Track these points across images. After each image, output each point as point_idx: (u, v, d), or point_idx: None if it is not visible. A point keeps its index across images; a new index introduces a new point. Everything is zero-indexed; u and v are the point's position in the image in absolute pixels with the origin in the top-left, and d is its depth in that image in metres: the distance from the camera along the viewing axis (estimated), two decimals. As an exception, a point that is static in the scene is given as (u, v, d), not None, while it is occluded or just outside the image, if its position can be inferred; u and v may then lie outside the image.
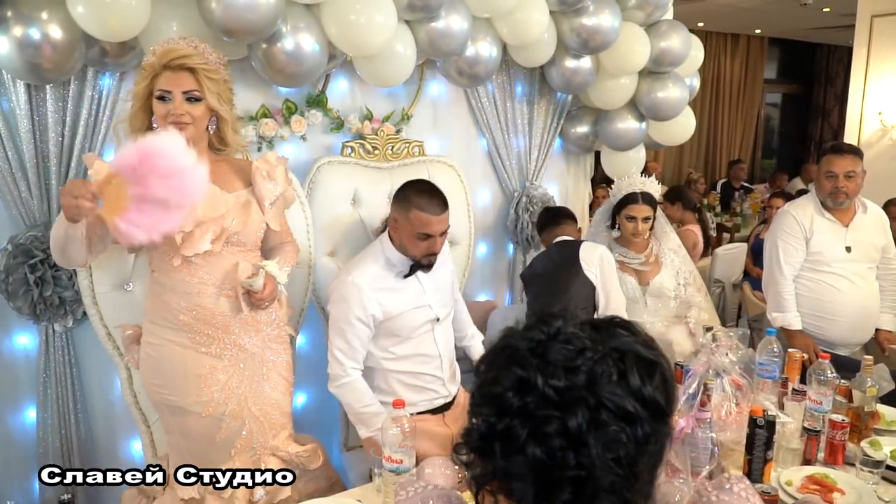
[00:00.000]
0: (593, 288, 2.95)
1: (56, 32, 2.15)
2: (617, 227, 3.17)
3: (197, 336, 2.07)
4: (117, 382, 2.51)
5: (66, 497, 2.24)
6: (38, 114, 2.35)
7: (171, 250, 2.02)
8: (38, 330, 2.47)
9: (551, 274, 2.98)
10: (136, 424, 2.50)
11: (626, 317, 2.96)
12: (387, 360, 2.45)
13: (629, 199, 3.13)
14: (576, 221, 3.28)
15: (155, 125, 2.03)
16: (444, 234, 2.41)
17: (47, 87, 2.33)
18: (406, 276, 2.42)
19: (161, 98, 2.00)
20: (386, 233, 2.47)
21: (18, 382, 2.53)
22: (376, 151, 3.00)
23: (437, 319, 2.51)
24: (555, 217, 3.25)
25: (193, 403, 2.08)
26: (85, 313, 2.42)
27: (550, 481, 0.95)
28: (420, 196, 2.34)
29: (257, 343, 2.17)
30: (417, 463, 1.91)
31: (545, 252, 3.16)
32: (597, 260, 2.94)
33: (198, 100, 2.02)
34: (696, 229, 4.63)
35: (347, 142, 2.95)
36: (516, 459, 0.95)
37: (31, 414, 2.54)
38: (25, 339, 2.52)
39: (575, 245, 3.00)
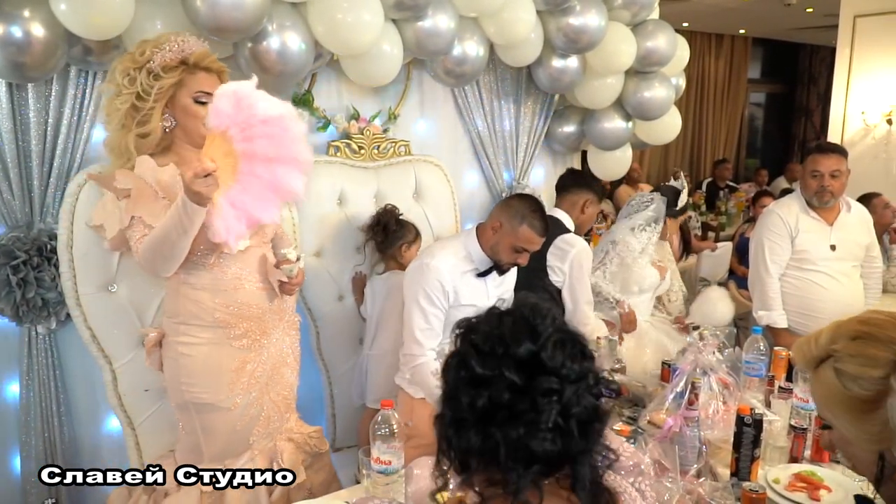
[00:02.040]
0: (558, 291, 2.96)
1: (38, 30, 2.11)
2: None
3: (232, 331, 2.07)
4: (102, 385, 2.48)
5: (49, 502, 2.21)
6: (20, 113, 2.32)
7: (206, 248, 1.99)
8: (21, 332, 2.44)
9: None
10: (122, 427, 2.47)
11: (591, 320, 2.98)
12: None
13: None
14: (583, 189, 3.16)
15: (168, 125, 2.03)
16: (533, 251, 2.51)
17: (29, 85, 2.30)
18: (480, 274, 2.50)
19: (202, 101, 2.01)
20: (473, 228, 2.53)
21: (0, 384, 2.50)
22: (362, 151, 2.99)
23: None
24: (561, 183, 3.23)
25: (224, 399, 2.08)
26: (68, 315, 2.39)
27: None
28: (534, 215, 2.42)
29: (280, 331, 2.20)
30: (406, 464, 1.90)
31: None
32: (568, 260, 2.91)
33: None
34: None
35: (333, 141, 2.93)
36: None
37: (13, 416, 2.51)
38: (7, 342, 2.48)
39: (551, 237, 2.88)
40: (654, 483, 1.72)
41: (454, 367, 1.13)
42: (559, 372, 1.09)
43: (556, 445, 1.07)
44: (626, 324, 3.18)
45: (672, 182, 3.54)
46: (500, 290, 2.62)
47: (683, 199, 3.43)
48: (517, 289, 2.83)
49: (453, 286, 2.44)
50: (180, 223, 1.86)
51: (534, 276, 2.89)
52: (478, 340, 1.11)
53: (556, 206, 3.17)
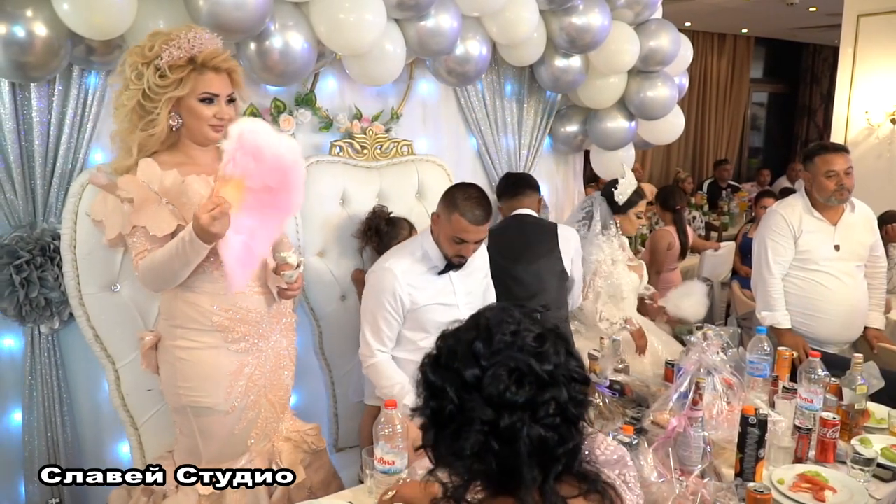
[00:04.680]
0: (567, 278, 2.99)
1: (41, 30, 2.11)
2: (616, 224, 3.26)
3: (230, 335, 2.06)
4: (104, 385, 2.48)
5: (53, 502, 2.22)
6: (23, 113, 2.32)
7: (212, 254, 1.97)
8: (24, 331, 2.43)
9: (524, 261, 2.93)
10: (124, 427, 2.47)
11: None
12: (414, 353, 2.47)
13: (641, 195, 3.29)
14: (538, 191, 3.23)
15: (174, 123, 1.99)
16: (478, 242, 2.45)
17: (32, 85, 2.29)
18: (440, 272, 2.49)
19: (208, 100, 1.98)
20: (429, 227, 2.52)
21: (3, 385, 2.49)
22: (365, 151, 2.98)
23: None
24: (515, 185, 3.21)
25: (222, 402, 2.07)
26: (71, 315, 2.39)
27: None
28: (466, 202, 2.36)
29: (277, 333, 2.20)
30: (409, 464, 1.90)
31: (502, 229, 3.10)
32: (572, 249, 2.97)
33: (233, 101, 2.05)
34: (672, 231, 4.66)
35: (336, 141, 2.93)
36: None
37: (16, 417, 2.50)
38: (11, 342, 2.48)
39: (551, 229, 2.97)
40: (660, 483, 1.72)
41: (421, 365, 1.18)
42: (500, 399, 1.08)
43: (484, 466, 1.10)
44: (639, 339, 3.17)
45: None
46: (469, 282, 2.57)
47: (626, 193, 3.25)
48: (533, 276, 2.89)
49: (409, 290, 2.43)
50: (184, 255, 1.87)
51: (552, 264, 2.94)
52: (442, 348, 1.16)
53: (522, 206, 3.12)
